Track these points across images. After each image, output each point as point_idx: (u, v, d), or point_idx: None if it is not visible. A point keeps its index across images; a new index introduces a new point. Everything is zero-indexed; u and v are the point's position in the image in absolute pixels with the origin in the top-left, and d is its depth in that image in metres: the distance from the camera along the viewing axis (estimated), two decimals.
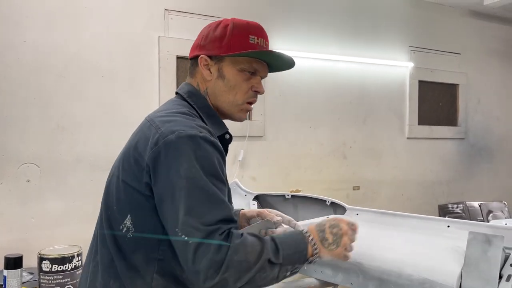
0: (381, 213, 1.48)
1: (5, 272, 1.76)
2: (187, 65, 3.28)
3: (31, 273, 2.04)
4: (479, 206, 3.81)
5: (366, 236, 1.41)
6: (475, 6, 3.91)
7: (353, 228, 1.08)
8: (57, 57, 2.35)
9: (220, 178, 0.98)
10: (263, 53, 1.14)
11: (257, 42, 1.13)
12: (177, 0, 2.70)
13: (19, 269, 1.77)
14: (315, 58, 3.22)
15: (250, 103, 1.17)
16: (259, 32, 1.15)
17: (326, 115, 3.31)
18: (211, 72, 1.13)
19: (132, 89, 2.55)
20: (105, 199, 1.11)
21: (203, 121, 1.10)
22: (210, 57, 1.13)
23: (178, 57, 2.66)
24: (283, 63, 1.19)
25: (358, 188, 3.46)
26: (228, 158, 3.00)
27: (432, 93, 3.89)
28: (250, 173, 2.96)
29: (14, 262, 1.76)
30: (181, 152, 0.95)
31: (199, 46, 1.16)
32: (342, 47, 3.34)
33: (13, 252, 1.86)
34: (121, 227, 1.03)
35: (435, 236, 1.29)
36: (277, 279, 1.00)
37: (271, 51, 1.14)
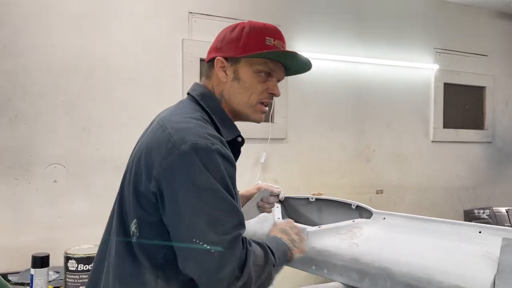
0: (409, 217, 1.44)
1: (32, 271, 1.79)
2: None
3: (57, 272, 2.07)
4: (507, 211, 3.71)
5: (394, 241, 1.38)
6: (503, 7, 3.82)
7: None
8: (84, 60, 2.39)
9: (229, 190, 1.00)
10: (279, 54, 1.13)
11: (274, 44, 1.12)
12: (200, 3, 2.72)
13: (45, 268, 1.80)
14: (337, 60, 3.19)
15: (264, 104, 1.16)
16: (275, 34, 1.14)
17: (349, 118, 3.28)
18: (226, 74, 1.13)
19: (156, 91, 2.57)
20: (120, 201, 1.13)
21: (215, 125, 1.10)
22: (226, 59, 1.13)
23: (201, 60, 2.67)
24: (300, 65, 1.18)
25: (381, 192, 3.41)
26: (250, 161, 3.04)
27: (458, 95, 3.81)
28: (272, 176, 2.95)
29: (41, 261, 1.80)
30: (196, 164, 0.95)
31: (215, 48, 1.16)
32: (366, 49, 3.31)
33: (40, 251, 1.89)
34: (128, 231, 1.04)
35: (466, 242, 1.25)
36: (271, 280, 1.08)
37: (288, 52, 1.14)
